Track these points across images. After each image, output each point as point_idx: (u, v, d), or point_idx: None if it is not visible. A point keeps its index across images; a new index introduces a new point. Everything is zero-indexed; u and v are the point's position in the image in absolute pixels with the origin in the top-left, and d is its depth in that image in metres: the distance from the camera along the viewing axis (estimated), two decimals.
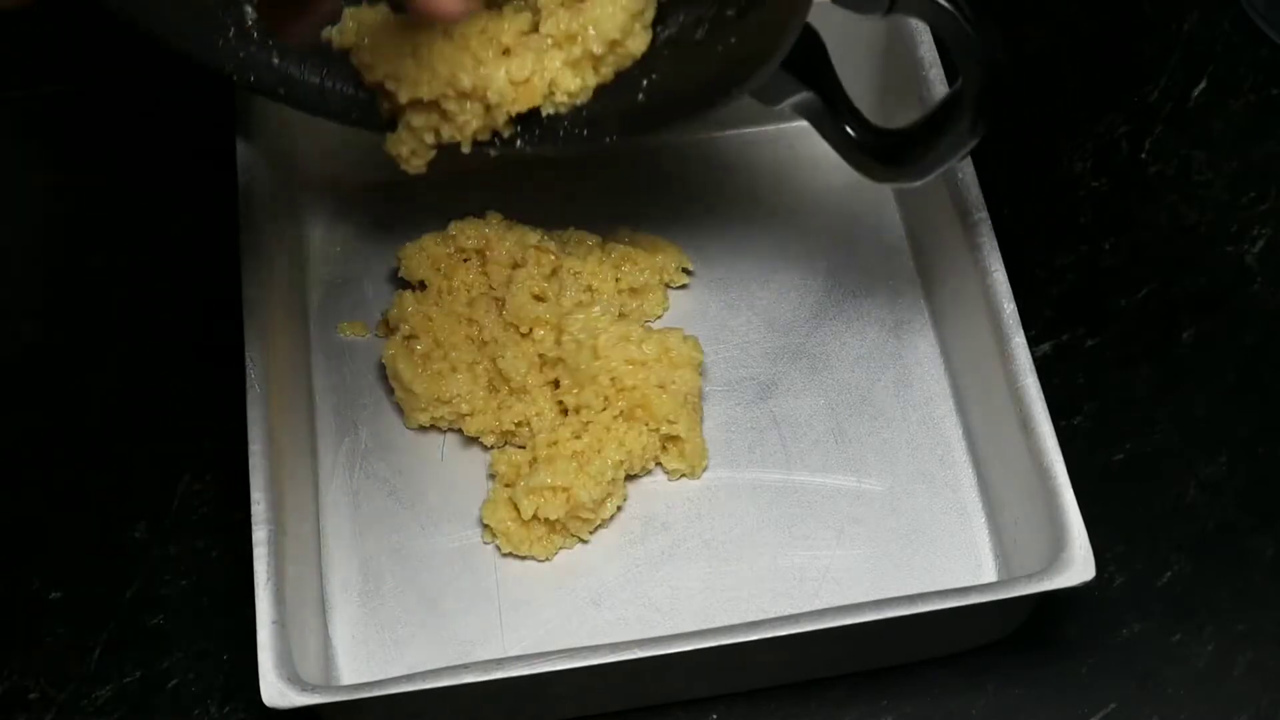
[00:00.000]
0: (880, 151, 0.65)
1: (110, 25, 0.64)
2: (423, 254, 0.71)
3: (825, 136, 0.65)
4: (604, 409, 0.68)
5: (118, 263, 0.75)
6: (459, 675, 0.58)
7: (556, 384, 0.69)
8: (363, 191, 0.76)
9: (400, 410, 0.70)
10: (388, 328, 0.71)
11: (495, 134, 0.64)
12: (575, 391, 0.68)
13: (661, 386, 0.68)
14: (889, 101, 0.74)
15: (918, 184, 0.66)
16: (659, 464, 0.69)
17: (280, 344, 0.67)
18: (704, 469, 0.69)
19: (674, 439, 0.68)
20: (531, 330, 0.69)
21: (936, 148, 0.63)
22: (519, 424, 0.69)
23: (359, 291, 0.74)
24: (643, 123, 0.64)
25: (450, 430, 0.70)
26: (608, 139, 0.64)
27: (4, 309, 0.75)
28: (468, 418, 0.69)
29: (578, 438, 0.67)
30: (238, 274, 0.66)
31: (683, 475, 0.69)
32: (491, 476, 0.69)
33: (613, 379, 0.68)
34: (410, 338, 0.70)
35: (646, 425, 0.68)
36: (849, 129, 0.65)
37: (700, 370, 0.70)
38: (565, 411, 0.69)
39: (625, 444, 0.67)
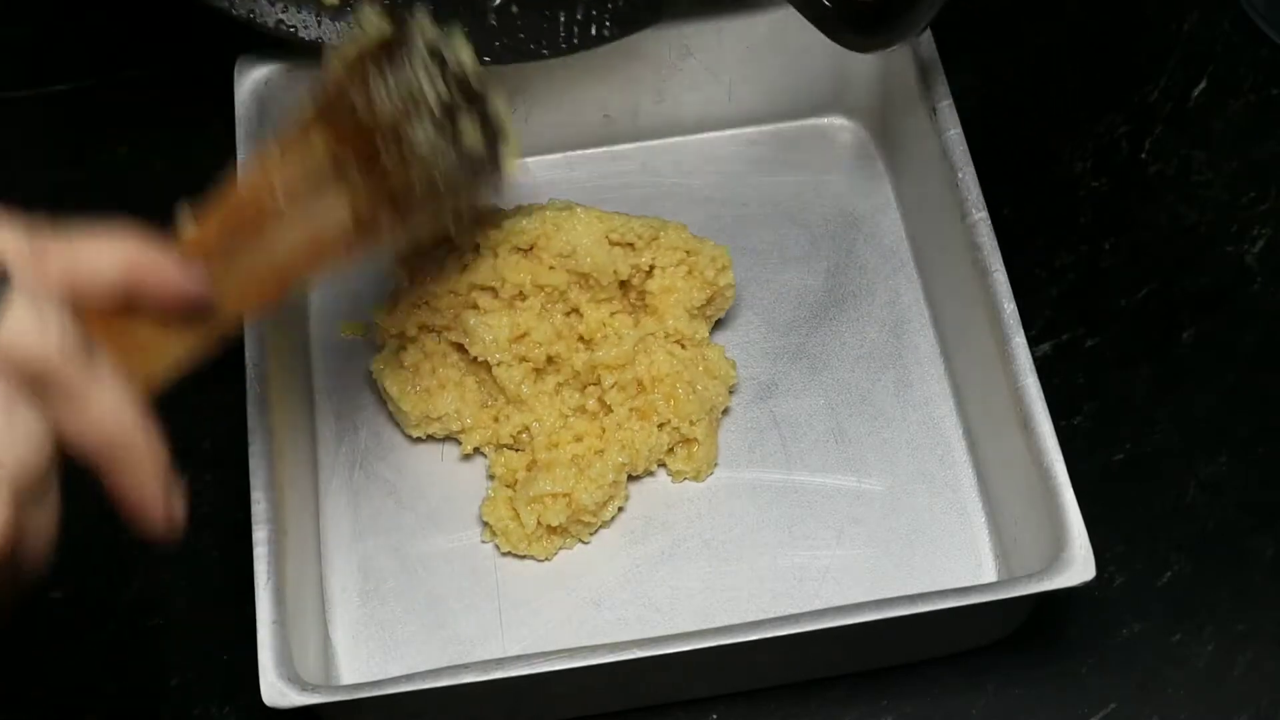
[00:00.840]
0: (859, 19, 0.65)
1: (116, 22, 0.63)
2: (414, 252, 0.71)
3: (802, 11, 0.65)
4: (625, 401, 0.68)
5: None
6: (459, 675, 0.58)
7: (593, 379, 0.68)
8: None
9: None
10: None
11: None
12: (617, 370, 0.67)
13: (691, 384, 0.68)
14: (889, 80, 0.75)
15: (900, 46, 0.66)
16: (663, 465, 0.69)
17: (280, 344, 0.67)
18: (709, 474, 0.69)
19: (688, 441, 0.68)
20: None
21: (916, 6, 0.62)
22: (518, 433, 0.68)
23: (359, 291, 0.73)
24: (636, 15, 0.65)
25: (449, 439, 0.70)
26: (604, 35, 0.66)
27: None
28: (463, 434, 0.69)
29: (578, 440, 0.67)
30: None
31: (687, 478, 0.69)
32: (491, 477, 0.69)
33: (651, 362, 0.68)
34: (400, 349, 0.69)
35: (664, 424, 0.68)
36: (825, 1, 0.65)
37: (731, 390, 0.70)
38: (571, 412, 0.69)
39: (632, 443, 0.67)
